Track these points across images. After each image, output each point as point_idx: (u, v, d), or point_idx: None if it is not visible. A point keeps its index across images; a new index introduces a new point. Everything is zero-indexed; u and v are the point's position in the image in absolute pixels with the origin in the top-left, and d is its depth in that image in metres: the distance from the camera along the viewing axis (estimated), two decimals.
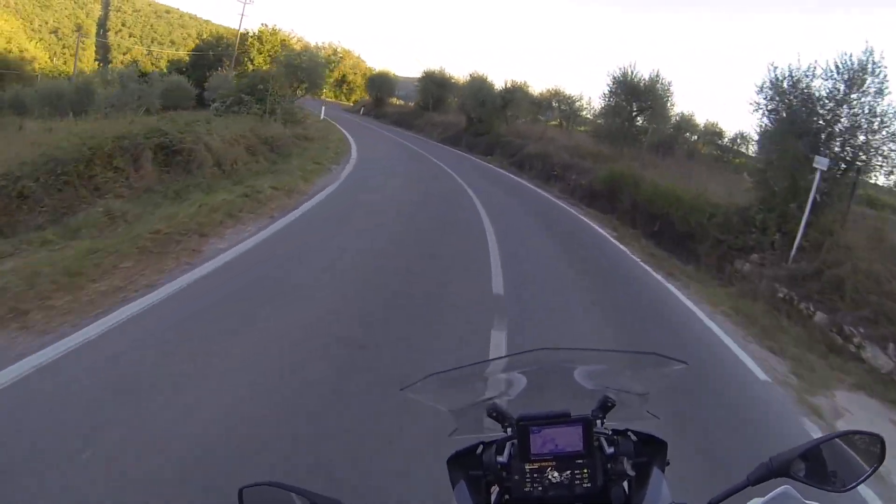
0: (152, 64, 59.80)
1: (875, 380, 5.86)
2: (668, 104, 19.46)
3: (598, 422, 1.20)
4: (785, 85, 9.71)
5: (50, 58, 60.23)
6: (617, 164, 15.99)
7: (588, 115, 28.35)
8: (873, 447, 1.04)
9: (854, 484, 1.03)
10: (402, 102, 47.05)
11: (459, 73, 43.67)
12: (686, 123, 24.34)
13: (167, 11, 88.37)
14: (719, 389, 4.76)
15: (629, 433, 1.19)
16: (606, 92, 19.52)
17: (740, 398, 4.75)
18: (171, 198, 9.63)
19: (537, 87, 32.37)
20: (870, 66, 8.86)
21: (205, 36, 59.57)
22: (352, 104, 64.35)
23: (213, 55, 51.94)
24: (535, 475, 1.12)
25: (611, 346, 4.88)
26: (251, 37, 47.73)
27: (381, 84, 44.46)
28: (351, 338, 4.23)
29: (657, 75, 18.86)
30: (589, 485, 1.11)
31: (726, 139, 25.94)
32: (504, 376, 1.38)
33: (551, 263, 8.22)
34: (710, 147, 25.85)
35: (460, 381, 1.34)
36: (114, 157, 10.64)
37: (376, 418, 3.19)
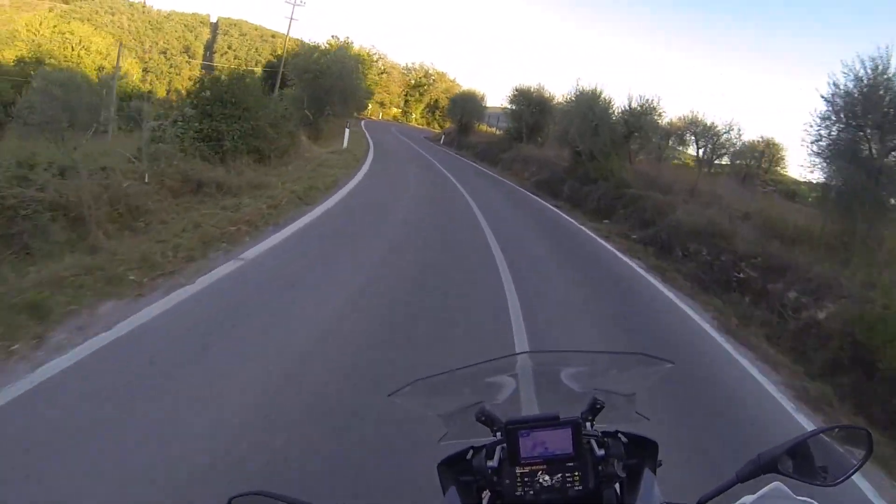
0: None
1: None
2: None
3: (588, 424, 1.20)
4: None
5: (142, 76, 59.68)
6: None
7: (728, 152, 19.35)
8: (861, 440, 1.04)
9: (843, 478, 1.02)
10: (493, 130, 39.37)
11: (562, 91, 34.80)
12: None
13: (273, 36, 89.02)
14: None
15: (619, 435, 1.19)
16: (830, 116, 10.15)
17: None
18: None
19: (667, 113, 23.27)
20: None
21: (278, 52, 56.04)
22: (440, 131, 58.18)
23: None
24: (526, 479, 1.12)
25: None
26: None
27: (465, 106, 36.51)
28: None
29: None
30: (580, 487, 1.11)
31: None
32: (492, 380, 1.38)
33: None
34: None
35: (448, 386, 1.34)
36: None
37: None
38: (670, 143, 20.74)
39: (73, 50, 40.82)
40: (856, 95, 9.63)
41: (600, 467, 1.13)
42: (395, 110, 67.15)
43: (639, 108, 18.18)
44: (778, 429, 4.47)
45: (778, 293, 8.14)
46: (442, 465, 1.19)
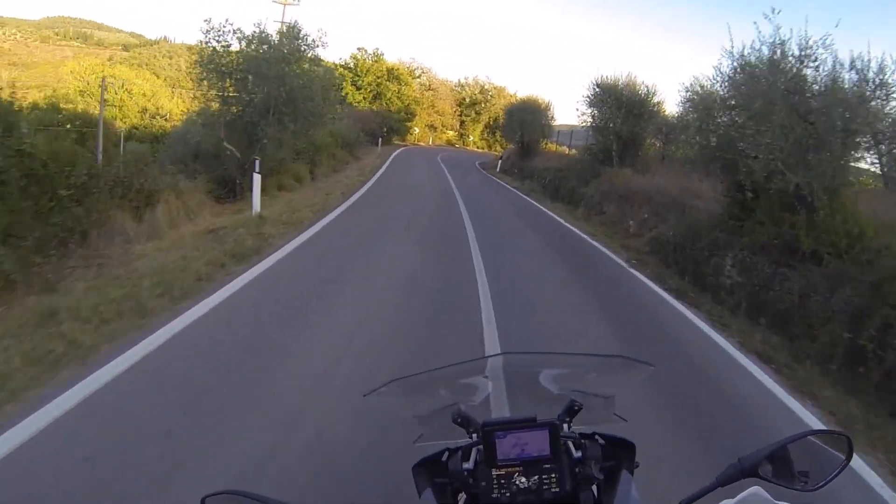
0: None
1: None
2: None
3: (565, 426, 1.20)
4: None
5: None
6: None
7: None
8: (840, 446, 1.04)
9: (822, 483, 1.02)
10: (564, 149, 30.05)
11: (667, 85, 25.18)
12: None
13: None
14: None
15: (596, 436, 1.20)
16: None
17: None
18: None
19: None
20: None
21: None
22: (500, 154, 49.78)
23: None
24: (503, 481, 1.11)
25: None
26: (342, 67, 35.71)
27: (525, 119, 26.98)
28: None
29: None
30: (557, 489, 1.11)
31: None
32: (468, 381, 1.38)
33: None
34: None
35: (424, 386, 1.34)
36: None
37: None
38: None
39: (115, 94, 39.85)
40: None
41: (577, 469, 1.13)
42: (449, 133, 59.15)
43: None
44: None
45: None
46: (417, 467, 1.19)
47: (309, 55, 12.63)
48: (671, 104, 20.75)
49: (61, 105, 34.30)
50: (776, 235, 7.77)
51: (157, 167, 10.40)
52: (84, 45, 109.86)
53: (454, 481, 1.15)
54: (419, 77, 49.93)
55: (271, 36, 12.31)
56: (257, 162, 10.70)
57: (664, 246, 10.09)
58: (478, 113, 58.64)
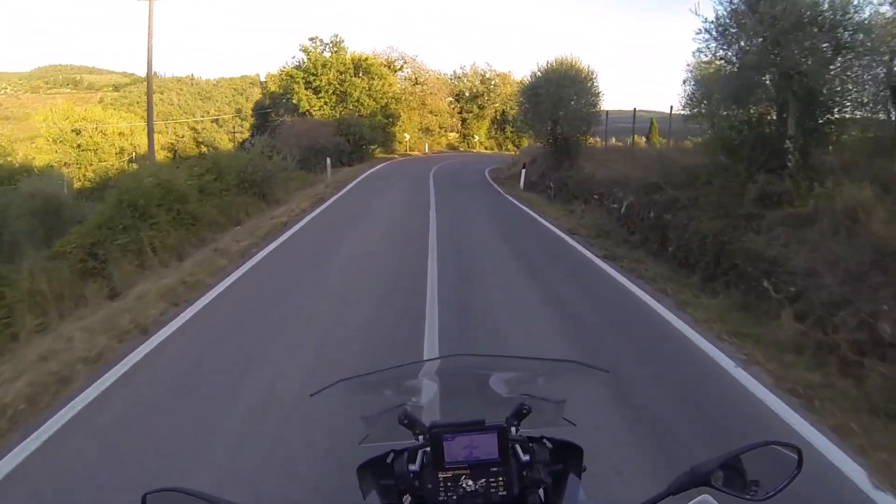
0: None
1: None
2: None
3: (513, 429, 1.19)
4: None
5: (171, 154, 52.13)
6: None
7: None
8: (791, 457, 1.05)
9: (772, 493, 1.03)
10: (618, 143, 19.34)
11: None
12: None
13: None
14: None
15: (544, 440, 1.20)
16: None
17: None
18: None
19: None
20: None
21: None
22: (517, 155, 39.60)
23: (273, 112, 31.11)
24: (450, 484, 1.11)
25: None
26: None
27: (560, 98, 15.58)
28: None
29: None
30: (505, 493, 1.11)
31: None
32: (416, 382, 1.40)
33: None
34: None
35: (371, 386, 1.36)
36: None
37: None
38: None
39: (90, 137, 36.55)
40: None
41: (525, 472, 1.13)
42: (450, 136, 48.68)
43: None
44: None
45: None
46: (362, 469, 1.19)
47: None
48: None
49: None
50: None
51: None
52: (75, 91, 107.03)
53: (400, 483, 1.14)
54: (400, 69, 39.50)
55: None
56: None
57: None
58: (481, 107, 48.01)
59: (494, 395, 1.29)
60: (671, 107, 14.86)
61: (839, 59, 6.96)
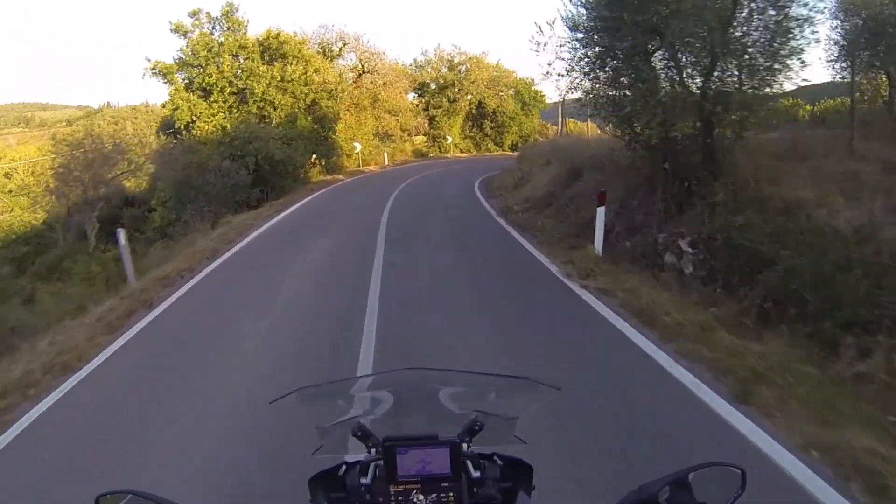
0: None
1: None
2: None
3: (465, 445, 1.19)
4: None
5: None
6: None
7: None
8: (735, 478, 1.07)
9: None
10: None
11: None
12: None
13: None
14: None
15: (495, 457, 1.21)
16: None
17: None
18: None
19: None
20: None
21: None
22: (505, 154, 30.66)
23: None
24: (400, 498, 1.11)
25: None
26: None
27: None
28: None
29: None
30: None
31: None
32: (371, 395, 1.40)
33: None
34: None
35: (327, 396, 1.37)
36: None
37: None
38: None
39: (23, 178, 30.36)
40: None
41: (476, 489, 1.14)
42: (417, 139, 38.65)
43: None
44: None
45: None
46: (313, 481, 1.18)
47: None
48: None
49: None
50: None
51: None
52: (27, 129, 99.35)
53: (351, 496, 1.14)
54: (339, 55, 28.95)
55: None
56: None
57: None
58: (451, 100, 38.01)
59: (447, 411, 1.28)
60: None
61: None
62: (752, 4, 6.25)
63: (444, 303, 6.09)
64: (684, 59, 6.79)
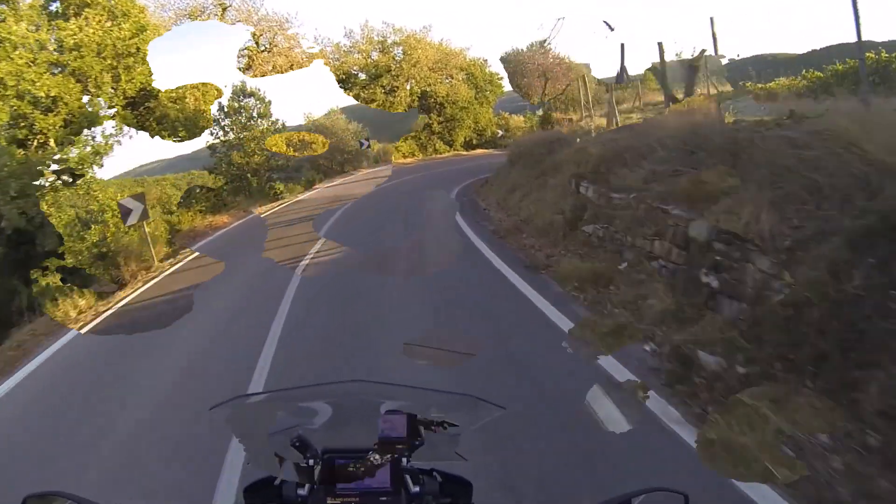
0: None
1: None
2: None
3: (405, 459, 1.20)
4: None
5: None
6: None
7: None
8: (678, 502, 1.07)
9: None
10: None
11: None
12: None
13: None
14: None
15: (434, 473, 1.21)
16: None
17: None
18: None
19: None
20: None
21: None
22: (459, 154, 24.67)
23: None
24: None
25: None
26: None
27: None
28: None
29: None
30: None
31: None
32: (311, 405, 1.36)
33: None
34: None
35: (267, 406, 1.37)
36: None
37: None
38: None
39: None
40: None
41: (414, 503, 1.13)
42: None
43: None
44: None
45: None
46: (249, 490, 1.17)
47: None
48: None
49: None
50: None
51: None
52: None
53: None
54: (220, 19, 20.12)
55: None
56: None
57: None
58: (389, 91, 30.35)
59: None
60: None
61: None
62: None
63: None
64: None
